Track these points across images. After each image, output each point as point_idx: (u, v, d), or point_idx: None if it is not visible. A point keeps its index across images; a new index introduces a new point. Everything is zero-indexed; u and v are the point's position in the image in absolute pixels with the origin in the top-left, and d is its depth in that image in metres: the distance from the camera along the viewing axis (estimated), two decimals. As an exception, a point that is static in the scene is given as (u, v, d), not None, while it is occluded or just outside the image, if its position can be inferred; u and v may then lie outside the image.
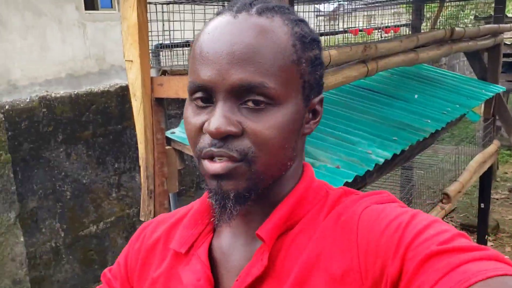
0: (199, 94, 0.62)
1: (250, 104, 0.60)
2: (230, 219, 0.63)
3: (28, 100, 3.42)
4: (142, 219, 2.36)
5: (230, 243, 0.69)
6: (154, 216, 2.34)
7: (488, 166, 3.91)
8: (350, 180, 1.94)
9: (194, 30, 2.34)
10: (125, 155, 4.22)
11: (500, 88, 3.91)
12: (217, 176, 0.61)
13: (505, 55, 5.03)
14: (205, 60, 0.60)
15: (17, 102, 3.39)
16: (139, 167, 2.31)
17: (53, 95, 3.63)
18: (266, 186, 0.64)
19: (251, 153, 0.60)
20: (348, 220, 0.62)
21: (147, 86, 2.15)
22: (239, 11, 0.62)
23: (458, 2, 3.87)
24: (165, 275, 0.72)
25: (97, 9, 6.37)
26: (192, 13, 2.33)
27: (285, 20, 0.63)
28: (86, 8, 6.13)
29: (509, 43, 5.47)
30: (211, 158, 0.61)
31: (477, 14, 4.52)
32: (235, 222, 0.67)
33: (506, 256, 0.53)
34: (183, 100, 2.13)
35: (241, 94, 0.59)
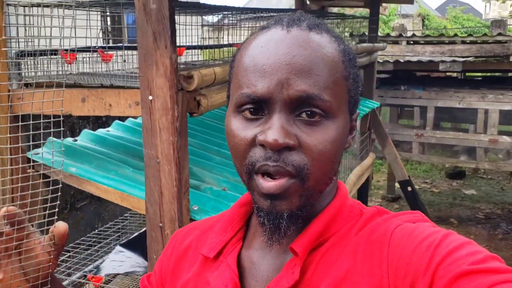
0: (249, 106, 0.61)
1: (304, 116, 0.60)
2: (282, 238, 0.63)
3: None
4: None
5: (260, 253, 0.70)
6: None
7: (366, 177, 4.08)
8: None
9: (62, 37, 2.07)
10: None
11: (375, 104, 4.13)
12: (270, 196, 0.60)
13: (378, 72, 5.36)
14: (261, 71, 0.60)
15: None
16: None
17: None
18: (314, 202, 0.64)
19: (306, 169, 0.60)
20: (380, 237, 0.62)
21: (3, 100, 1.85)
22: (290, 26, 0.63)
23: (332, 20, 3.99)
24: (194, 279, 0.73)
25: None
26: (56, 18, 2.06)
27: (332, 37, 0.65)
28: None
29: (381, 61, 5.85)
30: (264, 173, 0.60)
31: (353, 32, 4.73)
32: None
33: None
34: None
35: (297, 106, 0.60)
